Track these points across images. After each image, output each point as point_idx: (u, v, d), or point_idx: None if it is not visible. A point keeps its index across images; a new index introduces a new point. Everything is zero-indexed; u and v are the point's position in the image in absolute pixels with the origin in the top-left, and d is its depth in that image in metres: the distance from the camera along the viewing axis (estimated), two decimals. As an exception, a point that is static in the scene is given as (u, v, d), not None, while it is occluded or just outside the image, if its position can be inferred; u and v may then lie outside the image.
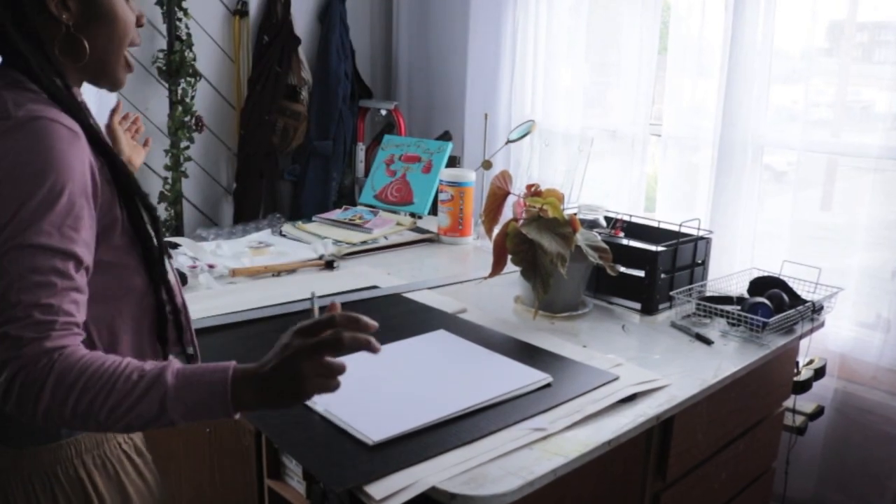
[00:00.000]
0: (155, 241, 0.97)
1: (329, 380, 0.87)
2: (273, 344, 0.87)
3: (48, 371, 0.80)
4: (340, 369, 0.87)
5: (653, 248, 1.70)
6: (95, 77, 0.99)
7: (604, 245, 1.63)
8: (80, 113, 0.91)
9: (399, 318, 1.62)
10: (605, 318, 1.68)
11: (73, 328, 0.84)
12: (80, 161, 0.87)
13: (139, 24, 1.01)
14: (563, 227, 1.58)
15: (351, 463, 1.05)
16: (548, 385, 1.29)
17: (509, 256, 1.61)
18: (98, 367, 0.82)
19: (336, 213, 2.40)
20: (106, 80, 1.00)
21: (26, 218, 0.82)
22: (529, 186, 1.71)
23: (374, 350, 0.87)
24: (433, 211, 2.40)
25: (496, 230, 1.68)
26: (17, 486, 0.95)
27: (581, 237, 1.60)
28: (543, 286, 1.54)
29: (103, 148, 0.93)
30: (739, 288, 1.78)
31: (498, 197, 1.71)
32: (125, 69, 1.00)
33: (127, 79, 1.02)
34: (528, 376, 1.30)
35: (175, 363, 0.87)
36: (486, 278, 1.71)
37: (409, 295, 1.78)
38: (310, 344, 0.85)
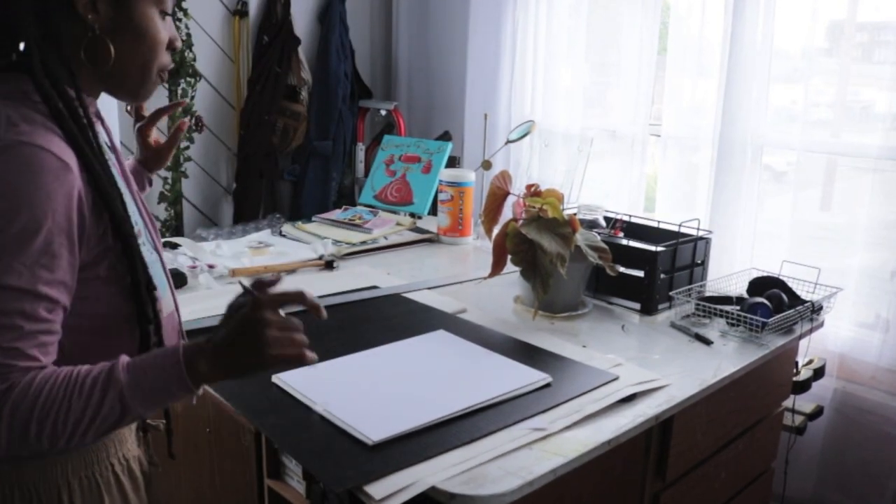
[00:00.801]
0: (143, 272, 0.92)
1: (291, 333, 0.86)
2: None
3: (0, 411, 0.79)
4: (299, 326, 0.86)
5: (652, 248, 1.70)
6: (115, 88, 0.95)
7: (603, 245, 1.63)
8: (78, 134, 0.86)
9: (399, 318, 1.62)
10: (604, 318, 1.68)
11: (37, 373, 0.82)
12: (63, 195, 0.81)
13: (173, 48, 0.95)
14: (562, 227, 1.58)
15: (351, 463, 1.05)
16: (547, 385, 1.29)
17: (509, 257, 1.61)
18: (50, 388, 0.81)
19: (336, 214, 2.41)
20: (126, 93, 0.96)
21: None
22: (529, 186, 1.71)
23: (320, 316, 0.88)
24: (433, 211, 2.40)
25: (496, 230, 1.68)
26: None
27: (581, 237, 1.61)
28: (543, 286, 1.55)
29: (94, 178, 0.86)
30: (739, 288, 1.78)
31: (497, 197, 1.71)
32: (152, 85, 0.95)
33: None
34: (527, 376, 1.30)
35: (124, 358, 0.85)
36: (485, 278, 1.72)
37: (408, 295, 1.78)
38: (268, 297, 0.85)
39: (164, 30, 0.93)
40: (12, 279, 0.79)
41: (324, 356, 1.18)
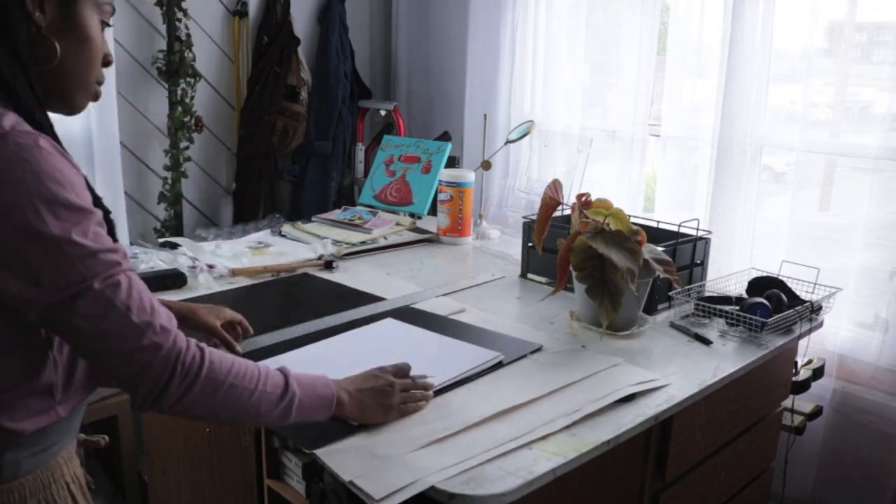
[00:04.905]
0: None
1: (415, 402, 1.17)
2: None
3: (200, 366, 0.91)
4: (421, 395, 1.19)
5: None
6: (55, 96, 0.93)
7: (667, 258, 1.55)
8: (50, 129, 0.88)
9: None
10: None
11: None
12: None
13: (106, 63, 0.97)
14: (629, 241, 1.48)
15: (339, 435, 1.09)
16: (500, 363, 1.36)
17: (574, 273, 1.51)
18: (235, 367, 0.95)
19: (335, 214, 2.41)
20: (64, 102, 0.94)
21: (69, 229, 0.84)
22: (580, 196, 1.61)
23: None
24: (432, 211, 2.40)
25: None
26: None
27: (646, 251, 1.53)
28: (613, 304, 1.45)
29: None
30: (738, 288, 1.78)
31: (549, 207, 1.63)
32: (88, 96, 0.95)
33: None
34: (481, 356, 1.37)
35: (287, 369, 1.02)
36: (550, 295, 1.64)
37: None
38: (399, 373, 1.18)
39: (103, 41, 0.94)
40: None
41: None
